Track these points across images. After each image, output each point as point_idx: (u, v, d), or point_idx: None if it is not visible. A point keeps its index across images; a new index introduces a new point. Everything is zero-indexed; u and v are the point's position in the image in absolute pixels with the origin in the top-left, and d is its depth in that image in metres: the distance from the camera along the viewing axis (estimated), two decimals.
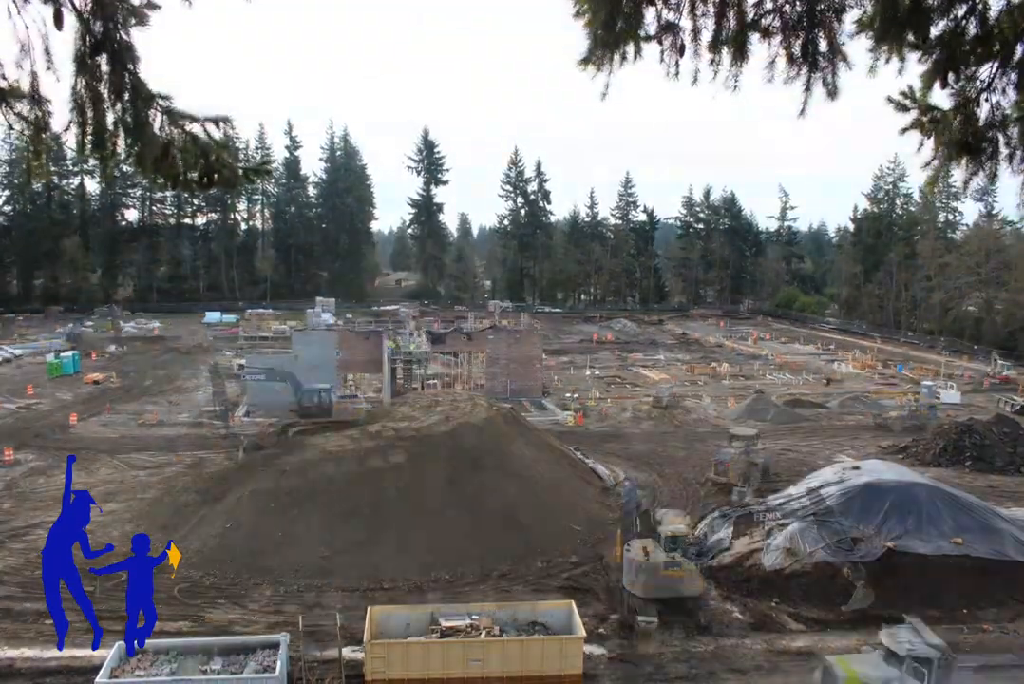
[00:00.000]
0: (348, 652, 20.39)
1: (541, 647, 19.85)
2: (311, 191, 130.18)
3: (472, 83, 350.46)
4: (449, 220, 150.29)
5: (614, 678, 20.81)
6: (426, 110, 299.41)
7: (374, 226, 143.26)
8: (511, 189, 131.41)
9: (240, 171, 4.85)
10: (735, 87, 4.64)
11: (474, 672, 19.53)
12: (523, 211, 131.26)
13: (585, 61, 4.62)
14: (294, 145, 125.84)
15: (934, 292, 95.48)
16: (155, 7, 4.13)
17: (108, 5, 4.04)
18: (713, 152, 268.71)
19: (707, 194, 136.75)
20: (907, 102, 4.57)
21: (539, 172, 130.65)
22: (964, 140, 4.53)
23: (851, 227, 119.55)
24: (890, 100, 4.64)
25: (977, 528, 26.40)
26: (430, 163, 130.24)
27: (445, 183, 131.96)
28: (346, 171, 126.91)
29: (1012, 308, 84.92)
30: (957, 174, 4.95)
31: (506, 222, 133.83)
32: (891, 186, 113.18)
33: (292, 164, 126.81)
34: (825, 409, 54.16)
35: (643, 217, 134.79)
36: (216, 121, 4.61)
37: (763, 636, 22.96)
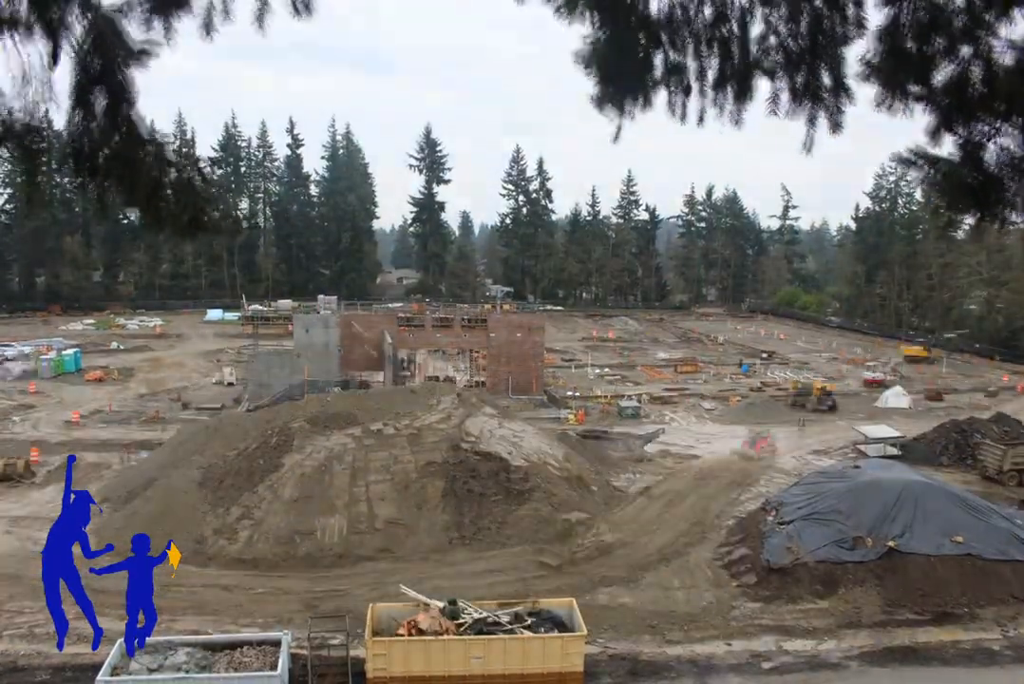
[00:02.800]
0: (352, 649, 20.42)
1: (543, 645, 19.86)
2: (313, 189, 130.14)
3: (474, 81, 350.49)
4: (451, 218, 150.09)
5: (615, 676, 20.84)
6: (428, 107, 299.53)
7: (375, 224, 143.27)
8: (513, 187, 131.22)
9: (231, 219, 4.88)
10: (738, 123, 4.69)
11: (476, 669, 19.55)
12: (525, 209, 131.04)
13: (599, 107, 4.68)
14: (296, 143, 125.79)
15: (936, 291, 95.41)
16: (157, 45, 4.14)
17: (108, 43, 4.04)
18: (714, 151, 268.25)
19: (709, 192, 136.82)
20: (915, 159, 4.59)
21: (541, 170, 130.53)
22: (972, 187, 4.55)
23: (853, 226, 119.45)
24: (900, 159, 4.68)
25: (978, 527, 26.38)
26: (432, 161, 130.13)
27: (447, 181, 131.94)
28: (348, 169, 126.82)
29: (1013, 307, 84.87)
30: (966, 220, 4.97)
31: (508, 220, 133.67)
32: (893, 185, 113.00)
33: (294, 162, 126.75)
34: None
35: (645, 216, 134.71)
36: (202, 173, 4.65)
37: (763, 634, 22.98)
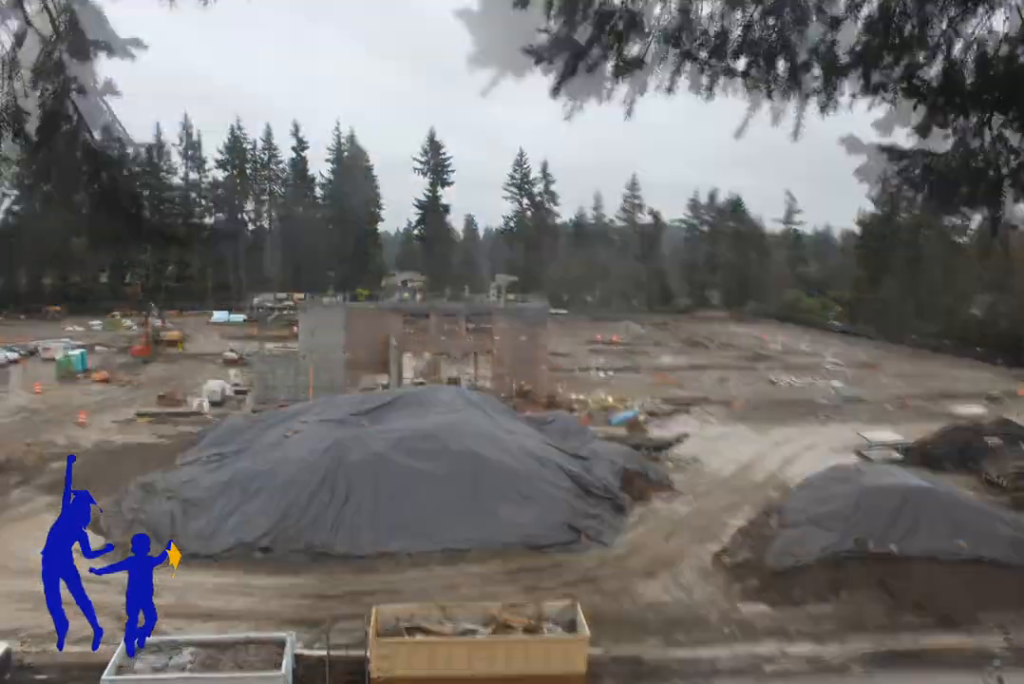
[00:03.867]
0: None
1: (545, 647, 19.87)
2: (318, 192, 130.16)
3: (475, 80, 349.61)
4: (455, 221, 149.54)
5: (618, 678, 20.84)
6: (430, 108, 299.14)
7: (380, 227, 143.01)
8: (516, 191, 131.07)
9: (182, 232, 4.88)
10: (709, 95, 4.45)
11: (479, 671, 19.55)
12: (529, 213, 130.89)
13: (555, 93, 4.43)
14: (301, 146, 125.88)
15: (938, 296, 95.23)
16: (142, 47, 4.07)
17: (74, 43, 3.96)
18: (717, 153, 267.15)
19: (712, 197, 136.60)
20: (902, 150, 4.49)
21: (545, 174, 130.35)
22: (963, 179, 4.46)
23: (856, 230, 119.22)
24: (882, 149, 4.55)
25: (980, 531, 26.35)
26: (436, 164, 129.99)
27: (451, 184, 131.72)
28: (352, 172, 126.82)
29: (1016, 312, 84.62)
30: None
31: (511, 224, 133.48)
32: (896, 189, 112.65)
33: (299, 165, 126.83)
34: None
35: (649, 219, 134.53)
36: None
37: (766, 638, 22.95)
